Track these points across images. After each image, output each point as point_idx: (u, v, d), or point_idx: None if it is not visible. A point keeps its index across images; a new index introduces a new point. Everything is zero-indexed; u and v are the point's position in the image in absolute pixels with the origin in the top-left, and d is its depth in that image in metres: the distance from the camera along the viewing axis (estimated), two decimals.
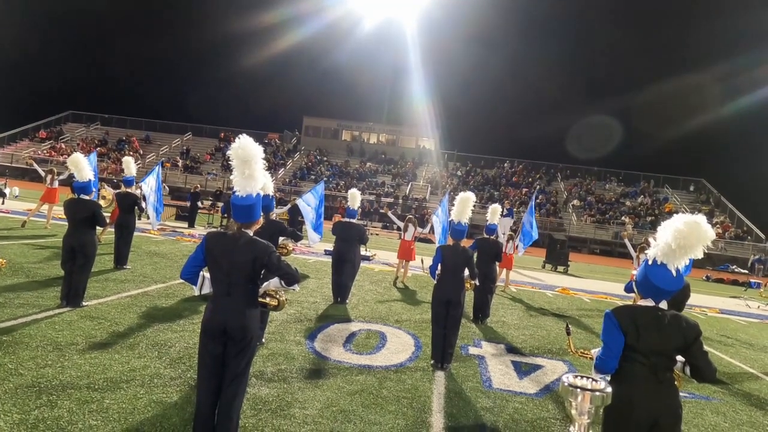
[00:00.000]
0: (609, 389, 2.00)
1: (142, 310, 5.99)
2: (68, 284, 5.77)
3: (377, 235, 24.99)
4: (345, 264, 7.86)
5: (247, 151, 3.04)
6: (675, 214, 2.63)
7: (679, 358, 2.54)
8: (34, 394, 3.52)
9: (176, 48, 57.04)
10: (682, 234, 2.44)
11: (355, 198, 8.36)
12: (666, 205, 36.12)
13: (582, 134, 44.21)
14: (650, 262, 2.54)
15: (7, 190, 9.83)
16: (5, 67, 42.94)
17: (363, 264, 10.10)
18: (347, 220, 8.21)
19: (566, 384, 2.01)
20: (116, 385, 3.85)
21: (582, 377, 2.03)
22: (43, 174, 12.92)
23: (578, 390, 1.99)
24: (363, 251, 10.32)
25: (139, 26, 59.41)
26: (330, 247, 8.79)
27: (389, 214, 12.60)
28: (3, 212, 13.12)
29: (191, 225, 17.49)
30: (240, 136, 3.13)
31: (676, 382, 2.56)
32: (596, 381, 2.02)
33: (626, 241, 9.76)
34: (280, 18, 44.29)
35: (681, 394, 2.58)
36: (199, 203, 18.22)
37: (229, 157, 3.12)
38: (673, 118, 43.97)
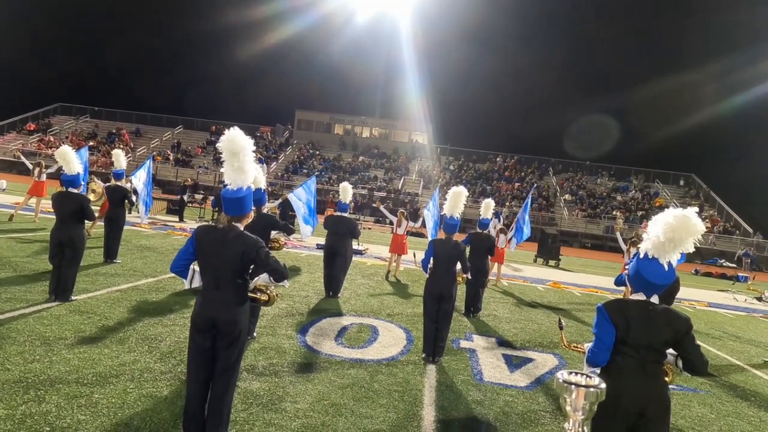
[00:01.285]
0: (603, 385, 1.99)
1: (132, 305, 5.94)
2: (57, 278, 5.70)
3: (369, 229, 24.97)
4: (337, 258, 7.84)
5: (236, 144, 3.01)
6: (665, 209, 2.64)
7: (672, 351, 2.56)
8: (21, 389, 3.48)
9: (168, 40, 56.38)
10: (672, 228, 2.46)
11: (346, 192, 8.33)
12: (656, 199, 36.42)
13: (574, 130, 44.45)
14: (641, 256, 2.55)
15: None
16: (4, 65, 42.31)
17: (355, 258, 10.08)
18: (339, 214, 8.19)
19: (561, 380, 2.00)
20: (105, 379, 3.82)
21: (577, 373, 2.03)
22: (30, 167, 12.75)
23: (573, 386, 1.98)
24: (355, 245, 10.30)
25: (130, 18, 58.67)
26: (322, 241, 8.76)
27: (381, 208, 12.59)
28: None
29: (181, 219, 17.39)
30: (229, 128, 3.10)
31: (668, 377, 2.58)
32: (591, 377, 2.01)
33: (618, 234, 9.82)
34: (273, 11, 43.93)
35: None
36: (185, 197, 18.11)
37: (219, 150, 3.09)
38: (665, 114, 44.35)
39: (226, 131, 3.08)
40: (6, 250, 8.11)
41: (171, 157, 38.62)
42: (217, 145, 3.12)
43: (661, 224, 2.50)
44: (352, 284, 8.89)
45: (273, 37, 45.20)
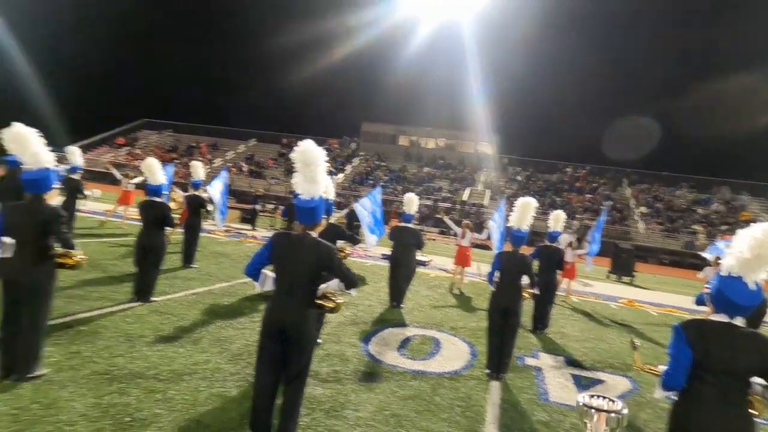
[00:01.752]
0: (626, 411, 1.87)
1: (206, 307, 6.27)
2: (140, 280, 6.15)
3: (433, 240, 24.83)
4: (401, 268, 7.87)
5: (310, 155, 3.13)
6: (753, 223, 2.42)
7: (761, 381, 2.34)
8: (107, 381, 3.77)
9: (241, 57, 59.59)
10: (760, 243, 2.24)
11: (412, 202, 8.34)
12: (743, 213, 33.45)
13: (651, 136, 41.82)
14: (724, 274, 2.36)
15: (89, 192, 10.68)
16: (85, 79, 46.71)
17: (419, 269, 10.06)
18: (404, 224, 8.22)
19: (581, 404, 1.90)
20: (180, 377, 4.05)
21: (599, 397, 1.91)
22: (119, 177, 13.87)
23: (593, 411, 1.87)
24: (419, 256, 10.29)
25: (204, 39, 62.62)
26: (387, 251, 8.83)
27: (446, 219, 12.49)
28: (85, 212, 14.20)
29: (253, 227, 18.21)
30: (302, 140, 3.23)
31: (755, 408, 2.35)
32: (613, 401, 1.90)
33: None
34: (340, 26, 45.22)
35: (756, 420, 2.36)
36: (257, 206, 18.94)
37: (292, 161, 3.22)
38: (754, 116, 40.63)
39: (299, 143, 3.20)
40: (97, 253, 8.85)
41: (245, 169, 40.58)
42: (291, 155, 3.25)
43: (747, 239, 2.29)
44: (415, 295, 8.87)
45: (340, 50, 46.40)
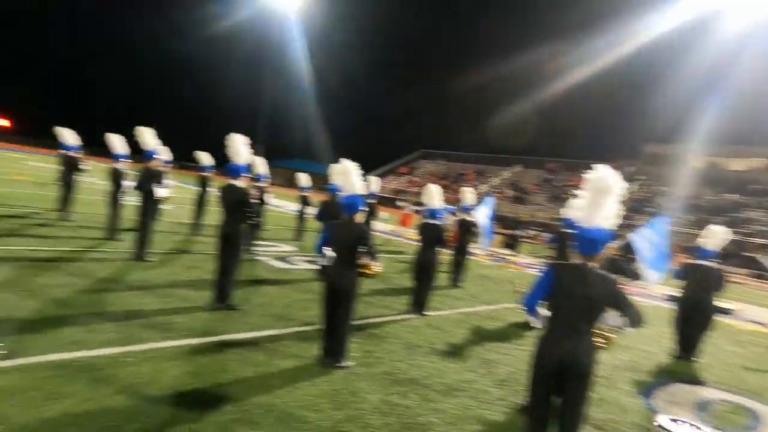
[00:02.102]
0: None
1: (471, 327, 6.49)
2: (416, 294, 6.78)
3: (741, 284, 20.12)
4: (694, 314, 6.59)
5: (604, 183, 2.94)
6: None
7: None
8: (390, 381, 4.23)
9: (506, 81, 61.46)
10: None
11: (714, 236, 6.90)
12: None
13: None
14: None
15: (379, 215, 12.60)
16: (380, 122, 57.17)
17: (719, 318, 8.25)
18: (700, 262, 6.88)
19: (657, 425, 1.26)
20: (450, 391, 4.25)
21: (682, 422, 1.24)
22: (403, 203, 15.77)
23: None
24: (718, 302, 8.45)
25: (470, 69, 66.83)
26: (672, 291, 7.55)
27: (762, 259, 9.97)
28: (373, 231, 16.68)
29: (515, 252, 18.15)
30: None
31: None
32: (699, 429, 1.21)
33: None
34: (611, 39, 41.34)
35: None
36: (519, 232, 18.79)
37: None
38: None
39: (594, 168, 3.03)
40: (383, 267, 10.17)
41: (509, 195, 41.02)
42: (584, 180, 3.08)
43: None
44: (715, 349, 7.30)
45: (612, 66, 42.46)
